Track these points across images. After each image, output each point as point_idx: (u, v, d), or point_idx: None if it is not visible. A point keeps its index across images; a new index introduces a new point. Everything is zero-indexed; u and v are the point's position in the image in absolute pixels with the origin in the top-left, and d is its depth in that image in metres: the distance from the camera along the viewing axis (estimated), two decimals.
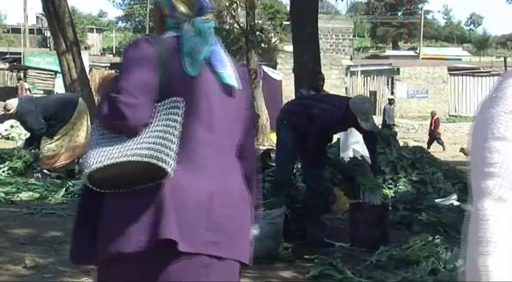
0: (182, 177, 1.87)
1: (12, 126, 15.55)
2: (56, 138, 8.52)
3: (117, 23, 70.81)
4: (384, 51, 51.42)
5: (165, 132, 1.84)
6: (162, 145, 1.82)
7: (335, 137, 8.10)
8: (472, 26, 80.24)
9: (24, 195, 7.46)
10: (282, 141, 5.89)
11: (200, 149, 1.93)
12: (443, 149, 19.92)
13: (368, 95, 28.17)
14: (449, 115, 32.62)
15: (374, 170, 6.21)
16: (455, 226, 6.57)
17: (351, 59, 34.06)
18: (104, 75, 1.86)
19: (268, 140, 18.94)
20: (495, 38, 72.24)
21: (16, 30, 52.95)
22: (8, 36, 55.62)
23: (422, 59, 42.64)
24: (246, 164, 2.10)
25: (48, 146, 8.54)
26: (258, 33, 23.41)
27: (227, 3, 23.78)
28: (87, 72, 19.04)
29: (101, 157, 1.83)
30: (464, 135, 25.18)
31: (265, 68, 23.39)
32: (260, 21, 26.89)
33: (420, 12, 56.80)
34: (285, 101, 8.58)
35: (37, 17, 56.69)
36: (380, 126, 16.69)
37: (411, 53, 50.79)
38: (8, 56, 36.16)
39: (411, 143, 13.16)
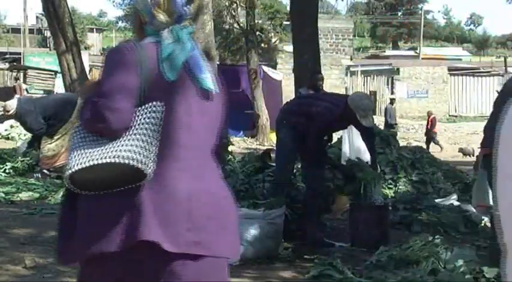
0: (162, 179, 1.93)
1: (12, 126, 15.55)
2: (56, 137, 8.53)
3: (117, 23, 70.81)
4: (384, 51, 51.42)
5: (145, 135, 1.90)
6: (142, 148, 1.88)
7: (335, 138, 8.12)
8: (472, 26, 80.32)
9: (24, 195, 7.47)
10: (282, 141, 5.89)
11: (180, 151, 1.99)
12: (441, 149, 19.94)
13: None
14: (449, 115, 32.63)
15: (374, 168, 6.20)
16: (455, 226, 6.58)
17: (351, 59, 34.07)
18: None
19: (268, 140, 18.95)
20: (495, 38, 72.26)
21: (16, 30, 52.95)
22: (8, 36, 55.62)
23: (422, 59, 42.63)
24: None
25: (48, 146, 8.55)
26: (258, 33, 23.42)
27: (227, 3, 23.79)
28: (87, 72, 19.04)
29: (82, 159, 1.90)
30: (465, 135, 25.20)
31: (265, 68, 23.40)
32: (260, 21, 26.89)
33: (420, 12, 56.77)
34: (285, 101, 8.59)
35: (37, 17, 56.68)
36: (382, 126, 16.71)
37: (411, 53, 50.79)
38: (8, 56, 36.17)
39: (412, 143, 13.17)
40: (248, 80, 20.85)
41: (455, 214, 6.76)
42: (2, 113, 9.65)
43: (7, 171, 8.76)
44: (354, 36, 42.80)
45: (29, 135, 9.69)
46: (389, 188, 8.14)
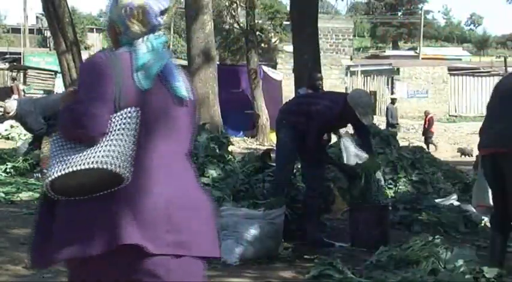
0: (140, 183, 2.00)
1: (12, 126, 15.55)
2: None
3: None
4: (384, 51, 51.39)
5: (122, 141, 1.97)
6: (119, 153, 1.96)
7: (334, 138, 8.11)
8: (472, 26, 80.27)
9: (24, 195, 7.47)
10: (282, 141, 5.89)
11: (157, 157, 2.06)
12: (435, 148, 19.95)
13: None
14: (449, 115, 32.63)
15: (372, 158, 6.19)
16: (455, 226, 6.58)
17: (351, 59, 34.08)
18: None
19: (268, 140, 18.94)
20: (495, 38, 72.22)
21: (16, 30, 52.93)
22: (8, 36, 55.61)
23: (422, 59, 42.62)
24: None
25: (49, 146, 8.54)
26: (258, 33, 23.41)
27: (227, 3, 23.80)
28: None
29: (61, 166, 1.97)
30: (465, 135, 25.21)
31: (265, 68, 23.40)
32: (260, 21, 26.89)
33: (420, 12, 56.76)
34: (285, 101, 8.59)
35: (37, 17, 56.67)
36: (383, 126, 16.69)
37: (411, 53, 50.77)
38: (8, 56, 36.19)
39: (414, 143, 13.15)
40: (248, 80, 20.85)
41: (455, 214, 6.75)
42: (2, 114, 9.66)
43: (7, 171, 8.77)
44: (354, 36, 42.79)
45: (29, 135, 9.69)
46: (389, 188, 8.14)
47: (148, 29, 2.14)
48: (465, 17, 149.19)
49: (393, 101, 21.37)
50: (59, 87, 25.21)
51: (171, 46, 48.87)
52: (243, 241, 5.05)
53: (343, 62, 32.51)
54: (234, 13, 23.35)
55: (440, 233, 5.94)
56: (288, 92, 17.52)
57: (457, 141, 23.41)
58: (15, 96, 22.41)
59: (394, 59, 38.31)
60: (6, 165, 8.90)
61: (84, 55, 12.80)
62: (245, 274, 4.72)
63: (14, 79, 27.11)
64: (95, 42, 56.87)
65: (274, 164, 6.40)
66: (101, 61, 2.06)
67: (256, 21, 22.74)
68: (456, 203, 7.26)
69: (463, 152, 18.30)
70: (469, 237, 6.25)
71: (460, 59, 44.13)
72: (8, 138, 15.41)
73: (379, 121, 21.99)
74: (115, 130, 1.99)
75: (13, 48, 41.72)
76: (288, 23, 24.75)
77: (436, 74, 33.33)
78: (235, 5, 22.93)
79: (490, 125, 4.68)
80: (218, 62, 20.22)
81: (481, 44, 65.94)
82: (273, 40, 29.68)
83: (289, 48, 20.19)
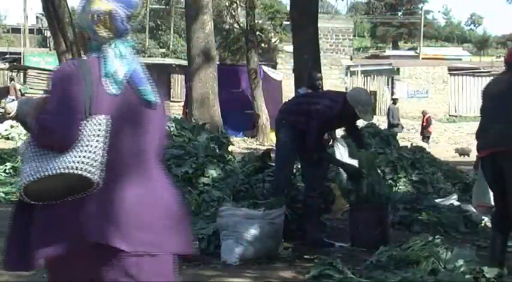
0: (112, 186, 2.09)
1: (12, 126, 15.55)
2: None
3: None
4: (384, 51, 51.36)
5: (92, 147, 2.06)
6: (90, 158, 2.05)
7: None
8: (472, 26, 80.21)
9: None
10: (282, 141, 5.89)
11: (126, 159, 2.15)
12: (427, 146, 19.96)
13: None
14: (449, 115, 32.62)
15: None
16: (455, 226, 6.58)
17: (351, 59, 34.05)
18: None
19: (268, 140, 18.94)
20: (495, 38, 72.16)
21: (16, 30, 52.91)
22: (8, 36, 55.58)
23: (422, 59, 42.60)
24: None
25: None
26: (258, 33, 23.40)
27: (227, 3, 23.79)
28: None
29: (34, 172, 2.06)
30: (465, 135, 25.19)
31: (265, 68, 23.39)
32: (260, 21, 26.87)
33: (420, 12, 56.74)
34: (284, 101, 8.57)
35: (37, 17, 56.66)
36: (383, 126, 16.69)
37: (411, 53, 50.74)
38: (8, 56, 36.14)
39: (416, 143, 13.14)
40: (248, 80, 20.84)
41: (455, 214, 6.76)
42: (3, 114, 9.66)
43: (7, 171, 8.77)
44: (354, 36, 42.76)
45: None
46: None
47: (116, 34, 2.21)
48: (465, 17, 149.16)
49: (395, 101, 21.36)
50: None
51: (171, 46, 48.92)
52: (243, 241, 5.05)
53: (343, 62, 32.48)
54: (234, 13, 23.34)
55: (440, 233, 5.94)
56: (288, 92, 17.50)
57: (457, 141, 23.40)
58: (12, 96, 22.43)
59: (394, 59, 38.30)
60: (6, 165, 8.90)
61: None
62: (245, 274, 4.72)
63: (12, 79, 27.11)
64: None
65: (274, 164, 6.40)
66: (69, 70, 2.14)
67: (256, 21, 22.72)
68: (456, 203, 7.26)
69: (461, 152, 18.27)
70: (469, 237, 6.25)
71: (460, 59, 44.10)
72: (8, 138, 15.41)
73: (379, 121, 21.98)
74: (86, 136, 2.07)
75: (13, 48, 41.68)
76: (288, 23, 24.73)
77: (436, 74, 33.31)
78: (235, 5, 22.93)
79: (487, 127, 4.69)
80: (218, 62, 20.22)
81: (481, 44, 65.89)
82: (273, 40, 29.67)
83: (289, 48, 20.18)
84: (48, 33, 36.51)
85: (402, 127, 21.21)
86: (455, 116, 32.41)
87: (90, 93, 2.09)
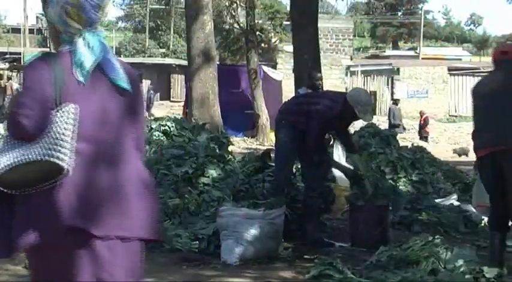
0: (82, 172, 2.17)
1: None
2: None
3: (117, 23, 70.76)
4: (384, 51, 51.35)
5: (60, 134, 2.14)
6: (58, 146, 2.13)
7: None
8: (472, 26, 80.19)
9: None
10: (281, 141, 5.89)
11: (98, 147, 2.22)
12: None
13: None
14: (449, 115, 32.60)
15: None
16: (455, 226, 6.58)
17: (351, 59, 34.04)
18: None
19: (268, 140, 18.92)
20: (495, 38, 72.08)
21: (16, 30, 52.90)
22: (8, 36, 55.60)
23: (422, 59, 42.59)
24: (141, 156, 2.40)
25: None
26: (258, 33, 23.38)
27: (227, 3, 23.78)
28: None
29: (6, 161, 2.15)
30: (464, 135, 25.17)
31: (265, 68, 23.37)
32: (260, 21, 26.86)
33: (420, 12, 56.72)
34: (284, 101, 8.58)
35: (37, 17, 56.67)
36: (383, 126, 16.68)
37: (411, 53, 50.72)
38: (8, 56, 36.17)
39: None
40: (248, 80, 20.83)
41: (455, 214, 6.76)
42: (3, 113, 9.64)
43: None
44: (354, 36, 42.75)
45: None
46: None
47: (85, 24, 2.27)
48: (465, 17, 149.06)
49: (396, 101, 21.36)
50: None
51: (171, 46, 48.92)
52: (243, 241, 5.05)
53: (343, 62, 32.47)
54: (234, 13, 23.32)
55: (440, 233, 5.95)
56: (288, 92, 17.50)
57: (457, 141, 23.38)
58: (9, 96, 22.44)
59: (394, 59, 38.29)
60: None
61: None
62: (245, 274, 4.72)
63: (9, 78, 27.12)
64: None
65: (274, 164, 6.40)
66: (39, 63, 2.23)
67: (256, 21, 22.71)
68: (456, 203, 7.26)
69: (460, 152, 18.23)
70: (469, 237, 6.25)
71: (460, 59, 44.10)
72: None
73: (379, 121, 21.98)
74: (55, 126, 2.14)
75: (13, 48, 41.69)
76: (288, 23, 24.73)
77: (436, 74, 33.30)
78: (235, 5, 22.91)
79: (483, 126, 4.68)
80: (218, 62, 20.21)
81: (481, 44, 65.88)
82: (273, 40, 29.66)
83: (289, 48, 20.17)
84: (48, 33, 36.48)
85: (404, 128, 21.19)
86: (455, 116, 32.39)
87: (60, 85, 2.18)
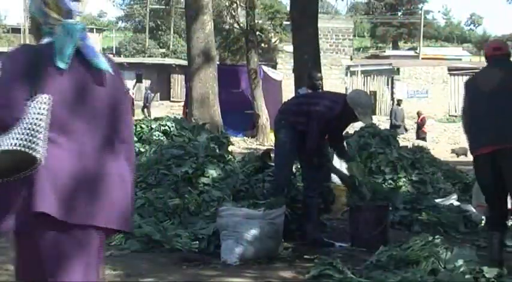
0: (56, 161, 2.19)
1: None
2: None
3: (117, 23, 70.77)
4: (384, 51, 51.36)
5: (34, 125, 2.15)
6: (31, 136, 2.14)
7: None
8: (472, 26, 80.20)
9: None
10: (281, 141, 5.89)
11: (74, 136, 2.24)
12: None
13: None
14: (449, 115, 32.61)
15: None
16: (455, 226, 6.58)
17: (351, 59, 34.06)
18: None
19: (268, 140, 18.94)
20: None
21: (16, 30, 52.91)
22: (8, 36, 55.59)
23: (422, 59, 42.59)
24: (126, 147, 2.42)
25: None
26: (258, 33, 23.39)
27: (227, 3, 23.79)
28: None
29: None
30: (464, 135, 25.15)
31: (265, 68, 23.39)
32: (260, 21, 26.87)
33: (420, 12, 56.73)
34: (284, 101, 8.59)
35: None
36: (383, 127, 16.66)
37: (411, 53, 50.73)
38: None
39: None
40: (248, 80, 20.84)
41: (455, 214, 6.76)
42: None
43: None
44: (354, 36, 42.77)
45: None
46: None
47: (64, 15, 2.32)
48: (465, 17, 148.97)
49: (399, 102, 21.31)
50: None
51: (171, 46, 48.93)
52: (243, 241, 5.05)
53: (343, 62, 32.50)
54: (234, 13, 23.33)
55: (440, 233, 5.95)
56: (288, 92, 17.51)
57: (457, 141, 23.36)
58: None
59: (394, 59, 38.30)
60: None
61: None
62: (245, 274, 4.72)
63: None
64: (95, 42, 56.87)
65: (274, 164, 6.40)
66: (16, 54, 2.28)
67: (256, 21, 22.72)
68: (456, 203, 7.26)
69: (459, 152, 18.21)
70: (469, 237, 6.25)
71: (460, 59, 44.11)
72: None
73: (380, 121, 21.97)
74: (28, 115, 2.16)
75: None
76: (288, 23, 24.74)
77: (436, 74, 33.31)
78: (235, 5, 22.92)
79: (483, 126, 4.65)
80: (218, 62, 20.22)
81: (481, 44, 65.73)
82: (273, 40, 29.68)
83: (289, 48, 20.18)
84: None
85: (406, 129, 21.15)
86: (455, 116, 32.37)
87: (36, 73, 2.21)
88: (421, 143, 16.25)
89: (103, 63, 2.30)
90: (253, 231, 5.08)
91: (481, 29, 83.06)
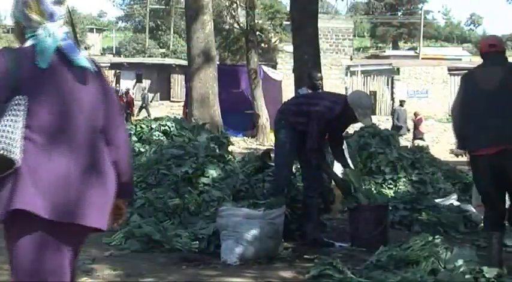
0: (38, 161, 2.21)
1: None
2: None
3: (117, 23, 70.78)
4: (384, 51, 51.35)
5: (10, 127, 2.19)
6: (9, 138, 2.17)
7: None
8: (472, 26, 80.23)
9: None
10: (281, 141, 5.88)
11: (55, 136, 2.25)
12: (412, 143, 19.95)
13: None
14: (449, 115, 32.61)
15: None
16: (455, 226, 6.58)
17: (351, 59, 34.07)
18: None
19: (268, 140, 18.95)
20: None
21: None
22: (8, 36, 55.60)
23: (422, 59, 42.59)
24: (118, 151, 2.44)
25: None
26: (258, 33, 23.41)
27: (227, 3, 23.80)
28: None
29: None
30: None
31: (265, 68, 23.41)
32: (260, 21, 26.89)
33: (420, 12, 56.72)
34: (284, 101, 8.59)
35: None
36: (383, 127, 16.65)
37: (411, 53, 50.72)
38: None
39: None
40: (248, 80, 20.85)
41: (455, 214, 6.76)
42: None
43: None
44: (354, 36, 42.79)
45: None
46: (389, 188, 8.14)
47: (46, 17, 2.34)
48: (465, 17, 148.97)
49: (401, 103, 21.26)
50: None
51: (171, 46, 48.91)
52: (243, 241, 5.05)
53: (343, 62, 32.50)
54: (234, 13, 23.34)
55: (440, 233, 5.95)
56: (288, 92, 17.52)
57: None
58: None
59: (394, 59, 38.30)
60: None
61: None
62: (245, 274, 4.72)
63: None
64: (95, 42, 56.91)
65: (274, 164, 6.40)
66: None
67: (256, 21, 22.73)
68: (456, 203, 7.26)
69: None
70: (469, 237, 6.25)
71: (460, 59, 44.08)
72: None
73: (380, 121, 21.97)
74: (5, 117, 2.19)
75: None
76: (288, 23, 24.76)
77: (436, 74, 33.32)
78: (235, 5, 22.93)
79: (483, 126, 4.63)
80: (218, 62, 20.22)
81: None
82: (273, 40, 29.70)
83: (289, 48, 20.18)
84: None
85: (408, 130, 21.11)
86: None
87: (16, 75, 2.22)
88: (421, 143, 16.27)
89: (84, 61, 2.32)
90: (253, 231, 5.08)
91: (481, 29, 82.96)
